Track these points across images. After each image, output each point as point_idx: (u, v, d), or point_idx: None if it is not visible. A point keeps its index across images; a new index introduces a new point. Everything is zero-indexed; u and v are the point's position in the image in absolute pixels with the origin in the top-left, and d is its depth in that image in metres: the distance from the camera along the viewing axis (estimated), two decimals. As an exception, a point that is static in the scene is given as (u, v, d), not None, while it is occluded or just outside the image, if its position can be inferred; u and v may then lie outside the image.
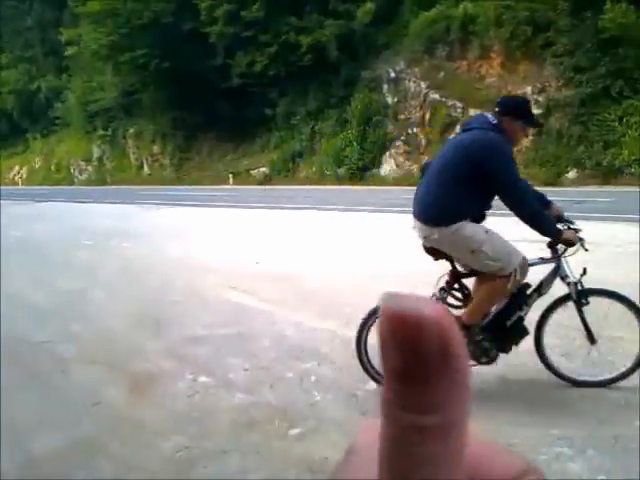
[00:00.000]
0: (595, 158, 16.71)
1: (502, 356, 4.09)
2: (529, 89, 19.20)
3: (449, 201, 3.29)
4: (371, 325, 3.56)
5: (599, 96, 17.26)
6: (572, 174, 17.28)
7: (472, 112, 20.28)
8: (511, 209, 3.29)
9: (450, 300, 3.56)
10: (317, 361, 4.15)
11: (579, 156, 17.23)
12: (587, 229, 9.19)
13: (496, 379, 3.73)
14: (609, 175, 16.31)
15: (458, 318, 3.38)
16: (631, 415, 3.21)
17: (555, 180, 17.09)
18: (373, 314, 3.55)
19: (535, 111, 18.47)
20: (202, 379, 3.92)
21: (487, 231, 3.36)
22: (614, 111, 16.79)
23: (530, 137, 18.71)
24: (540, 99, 18.76)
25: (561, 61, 18.30)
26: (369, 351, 3.58)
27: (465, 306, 3.52)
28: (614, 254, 7.20)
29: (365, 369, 3.61)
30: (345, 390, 3.67)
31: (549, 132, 18.20)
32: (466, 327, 3.38)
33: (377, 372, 3.56)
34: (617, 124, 16.58)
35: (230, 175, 27.57)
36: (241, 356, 4.30)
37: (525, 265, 3.38)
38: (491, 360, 3.51)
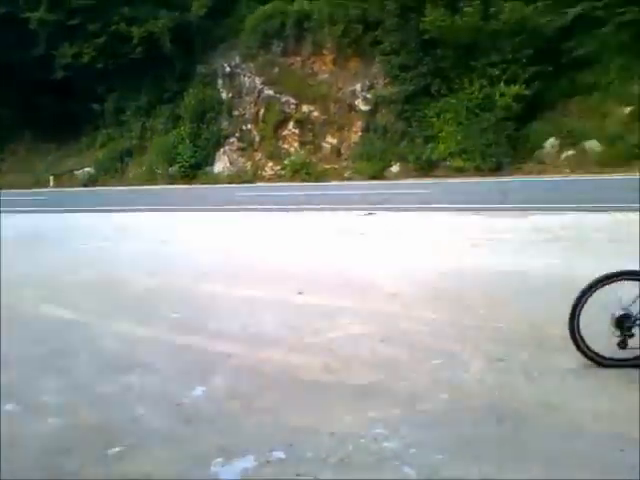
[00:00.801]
0: (416, 152, 17.91)
1: (320, 348, 4.22)
2: (359, 86, 19.95)
3: None
4: (584, 303, 3.66)
5: (420, 94, 18.45)
6: (395, 168, 18.39)
7: (305, 108, 20.80)
8: None
9: None
10: (140, 372, 3.97)
11: (402, 151, 18.37)
12: (408, 219, 9.86)
13: (319, 369, 3.85)
14: (427, 168, 17.61)
15: None
16: (436, 390, 3.48)
17: (380, 173, 18.07)
18: (588, 290, 3.67)
19: (363, 107, 19.70)
20: (7, 407, 3.56)
21: None
22: (433, 108, 18.07)
23: (359, 133, 19.64)
24: (368, 96, 19.61)
25: (388, 59, 19.18)
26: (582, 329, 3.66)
27: None
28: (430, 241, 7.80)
29: (577, 346, 3.70)
30: (170, 399, 3.55)
31: (376, 128, 19.16)
32: None
33: (591, 350, 3.68)
34: (435, 120, 17.88)
35: (51, 177, 25.48)
36: (55, 375, 3.99)
37: None
38: None
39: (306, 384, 3.68)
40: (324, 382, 3.71)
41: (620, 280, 3.67)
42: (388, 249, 7.56)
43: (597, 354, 3.67)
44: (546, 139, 16.35)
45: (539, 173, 15.65)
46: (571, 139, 16.06)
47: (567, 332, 3.66)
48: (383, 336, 4.44)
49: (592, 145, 15.64)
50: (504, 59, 16.88)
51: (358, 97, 19.93)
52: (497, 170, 16.39)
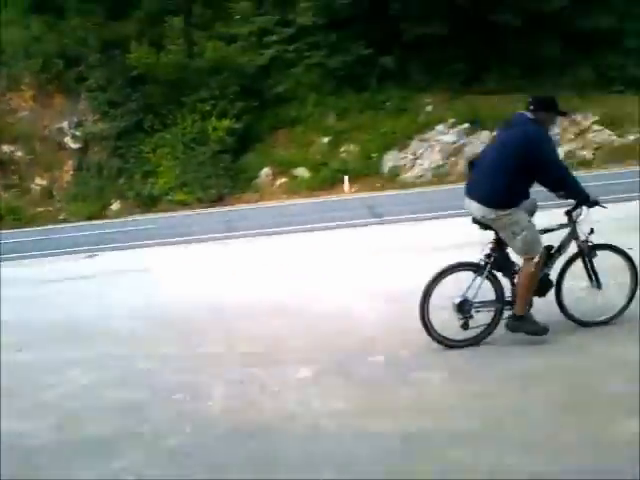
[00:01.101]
0: (136, 188, 17.60)
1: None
2: (66, 123, 18.91)
3: (506, 190, 4.02)
4: (431, 293, 4.07)
5: (134, 129, 18.19)
6: (116, 205, 17.77)
7: (5, 148, 18.81)
8: (553, 185, 4.09)
9: (492, 263, 4.15)
10: None
11: (121, 188, 17.85)
12: (135, 257, 9.56)
13: (50, 430, 3.49)
14: (150, 203, 17.41)
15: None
16: (180, 425, 3.43)
17: (100, 212, 17.27)
18: (438, 277, 4.11)
19: (73, 145, 18.63)
20: None
21: (529, 220, 4.12)
22: (148, 143, 17.96)
23: (71, 172, 18.49)
24: (78, 133, 18.70)
25: (95, 96, 18.58)
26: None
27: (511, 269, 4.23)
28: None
29: (428, 332, 4.12)
30: None
31: (89, 166, 18.29)
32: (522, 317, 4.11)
33: (439, 334, 4.14)
34: (152, 155, 17.80)
35: None
36: None
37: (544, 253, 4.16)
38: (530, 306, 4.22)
39: (35, 450, 3.31)
40: (57, 443, 3.39)
41: (458, 271, 4.17)
42: (115, 290, 7.18)
43: (445, 337, 4.14)
44: (260, 169, 17.44)
45: (257, 201, 16.61)
46: (282, 168, 17.42)
47: (302, 345, 3.93)
48: (120, 380, 4.23)
49: (301, 172, 17.17)
50: (213, 95, 17.59)
51: (67, 135, 18.82)
52: (219, 201, 16.94)
